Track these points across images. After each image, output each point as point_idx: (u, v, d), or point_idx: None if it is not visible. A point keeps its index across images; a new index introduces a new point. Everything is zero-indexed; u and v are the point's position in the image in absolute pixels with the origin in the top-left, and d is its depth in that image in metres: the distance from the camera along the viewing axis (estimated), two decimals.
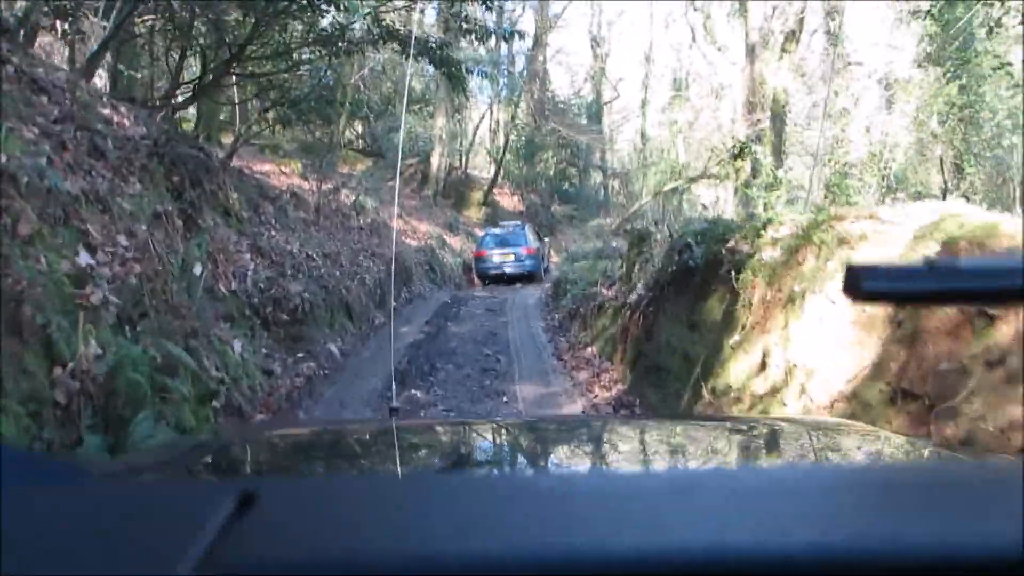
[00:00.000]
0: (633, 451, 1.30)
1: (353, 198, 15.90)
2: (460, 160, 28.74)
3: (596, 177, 37.49)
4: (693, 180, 20.62)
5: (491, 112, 32.24)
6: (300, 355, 6.60)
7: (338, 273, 8.95)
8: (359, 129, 28.40)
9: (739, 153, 20.98)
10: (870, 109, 20.99)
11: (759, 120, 20.12)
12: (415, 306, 12.72)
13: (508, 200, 29.22)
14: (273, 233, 7.99)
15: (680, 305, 5.22)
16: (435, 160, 25.02)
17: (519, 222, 19.76)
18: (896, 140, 19.39)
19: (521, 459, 1.29)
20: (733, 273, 4.26)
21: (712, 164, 20.10)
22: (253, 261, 6.54)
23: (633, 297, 6.04)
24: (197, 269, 5.10)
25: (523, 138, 29.78)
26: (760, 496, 0.56)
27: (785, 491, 0.58)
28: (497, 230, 18.39)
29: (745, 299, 4.12)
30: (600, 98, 38.04)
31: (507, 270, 16.93)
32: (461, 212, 25.66)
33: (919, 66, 17.15)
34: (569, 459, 1.25)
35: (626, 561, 0.44)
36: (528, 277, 16.94)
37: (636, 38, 51.63)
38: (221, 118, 28.16)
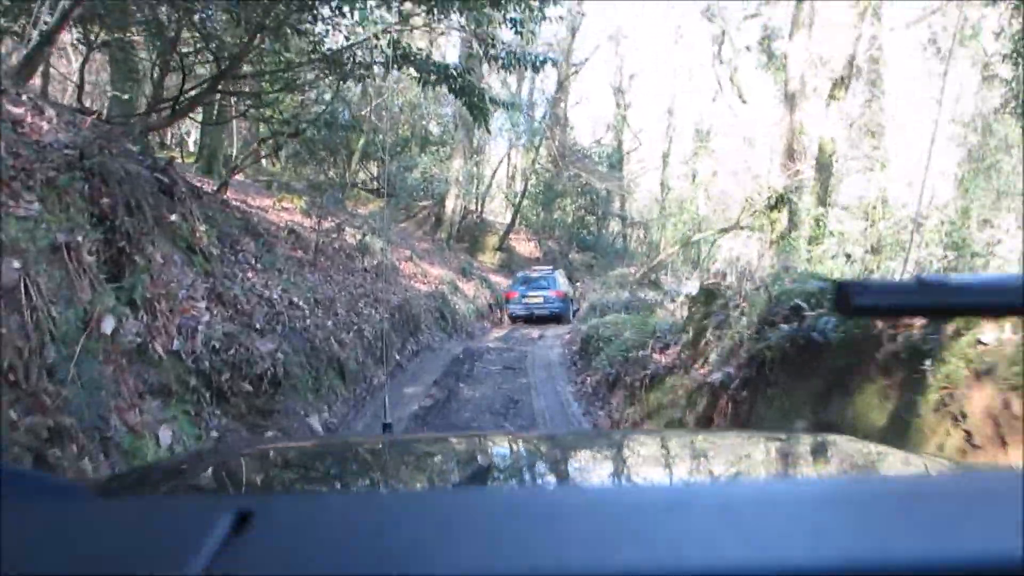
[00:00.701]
0: (625, 465, 1.27)
1: (359, 238, 14.47)
2: (476, 204, 27.41)
3: (615, 226, 36.14)
4: (725, 231, 19.09)
5: (508, 158, 31.10)
6: (268, 435, 4.98)
7: (331, 324, 7.37)
8: (373, 171, 27.25)
9: (775, 204, 19.53)
10: (914, 163, 19.52)
11: (799, 171, 18.69)
12: (422, 361, 11.11)
13: (524, 246, 27.78)
14: (250, 275, 6.44)
15: (798, 396, 3.62)
16: (450, 203, 23.67)
17: (551, 267, 20.06)
18: (946, 199, 17.94)
19: (514, 475, 1.24)
20: (928, 362, 2.64)
21: (746, 215, 18.61)
22: (210, 311, 4.97)
23: (716, 376, 4.46)
24: (108, 325, 3.53)
25: (542, 183, 28.49)
26: (753, 511, 0.55)
27: (779, 505, 0.57)
28: (530, 273, 18.97)
29: (950, 405, 2.52)
30: (621, 147, 37.00)
31: (536, 311, 17.63)
32: (475, 257, 24.19)
33: (1002, 114, 15.61)
34: (563, 474, 1.23)
35: None
36: (556, 318, 17.46)
37: (658, 90, 50.95)
38: (232, 152, 27.11)
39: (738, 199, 25.30)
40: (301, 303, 6.82)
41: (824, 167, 17.05)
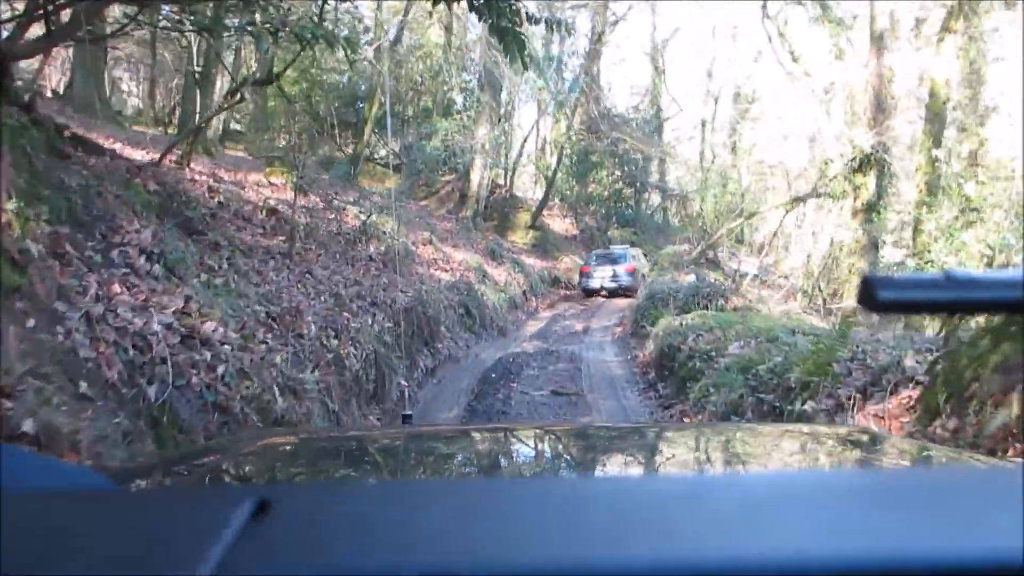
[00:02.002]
0: (644, 458, 1.26)
1: (364, 218, 11.58)
2: (505, 177, 24.35)
3: (654, 198, 32.79)
4: (798, 201, 15.81)
5: (538, 128, 27.92)
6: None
7: (282, 357, 4.46)
8: (395, 147, 24.27)
9: (861, 166, 16.20)
10: None
11: (889, 126, 15.34)
12: (440, 382, 8.22)
13: (559, 223, 24.69)
14: (116, 289, 3.54)
15: None
16: (476, 176, 20.63)
17: (626, 244, 20.83)
18: None
19: (533, 466, 1.24)
20: None
21: (824, 181, 15.34)
22: None
23: None
24: None
25: (575, 154, 25.26)
26: (769, 504, 0.55)
27: (794, 499, 0.57)
28: (604, 251, 19.84)
29: None
30: (659, 114, 33.60)
31: (607, 285, 18.10)
32: (505, 236, 21.20)
33: None
34: (582, 466, 1.22)
35: (637, 571, 0.44)
36: (625, 291, 17.56)
37: (697, 55, 47.13)
38: (238, 127, 24.25)
39: (792, 167, 22.02)
40: (221, 331, 3.91)
41: (937, 117, 13.65)
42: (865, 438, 1.37)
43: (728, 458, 1.22)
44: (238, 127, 25.70)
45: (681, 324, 8.13)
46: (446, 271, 13.43)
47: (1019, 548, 0.44)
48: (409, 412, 2.19)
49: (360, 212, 12.04)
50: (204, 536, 0.46)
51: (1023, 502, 0.53)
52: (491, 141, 19.29)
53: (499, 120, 21.35)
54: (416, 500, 0.61)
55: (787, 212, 15.80)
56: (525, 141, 26.02)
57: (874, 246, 15.54)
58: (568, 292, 19.47)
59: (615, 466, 1.20)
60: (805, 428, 1.71)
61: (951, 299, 0.55)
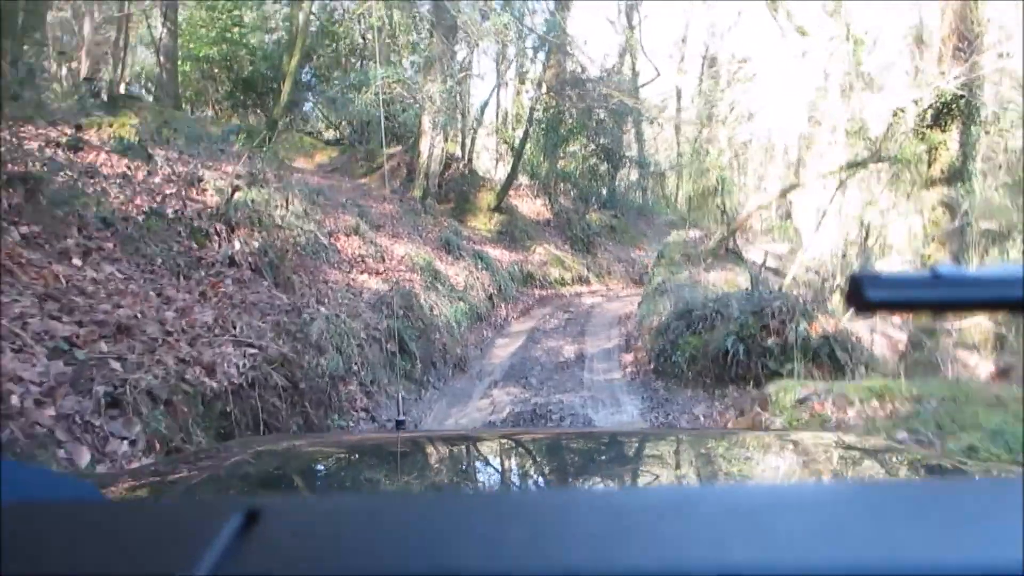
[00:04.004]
0: (634, 465, 1.25)
1: (232, 194, 7.10)
2: (463, 149, 19.84)
3: (630, 175, 28.57)
4: (858, 166, 11.64)
5: (501, 84, 23.41)
6: None
7: None
8: (331, 118, 19.55)
9: (937, 118, 12.14)
10: None
11: (975, 63, 11.33)
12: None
13: (529, 205, 20.29)
14: None
15: None
16: (425, 145, 16.07)
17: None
18: None
19: (523, 474, 1.24)
20: None
21: (890, 140, 11.27)
22: None
23: None
24: None
25: (546, 121, 20.79)
26: (760, 512, 0.53)
27: (788, 507, 0.56)
28: None
29: None
30: (636, 78, 29.36)
31: None
32: (465, 222, 16.81)
33: None
34: (572, 474, 1.21)
35: None
36: None
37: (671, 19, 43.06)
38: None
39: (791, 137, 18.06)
40: None
41: None
42: (863, 446, 1.33)
43: (716, 465, 1.19)
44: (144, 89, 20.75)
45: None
46: (378, 274, 8.98)
47: (1019, 559, 0.43)
48: (402, 418, 1.87)
49: (233, 185, 7.47)
50: (193, 547, 0.45)
51: (1023, 512, 0.50)
52: (443, 95, 14.73)
53: (453, 73, 16.74)
54: (406, 510, 0.59)
55: (842, 182, 11.68)
56: (485, 106, 21.47)
57: (959, 231, 11.48)
58: (544, 292, 15.18)
59: (604, 474, 1.17)
60: (794, 436, 1.60)
61: (941, 298, 0.54)
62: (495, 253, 14.81)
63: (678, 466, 1.21)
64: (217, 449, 1.83)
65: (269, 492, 1.03)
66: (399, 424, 1.81)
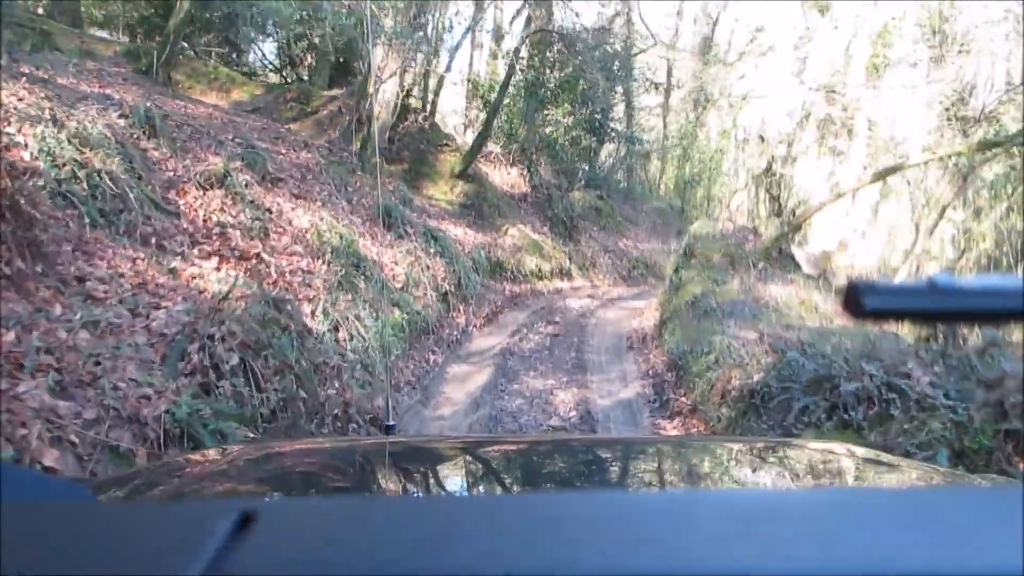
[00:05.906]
0: (630, 472, 1.20)
1: None
2: (424, 98, 15.82)
3: (611, 150, 24.84)
4: (994, 146, 8.11)
5: (472, 34, 19.39)
6: None
7: None
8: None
9: None
10: None
11: None
12: None
13: (503, 175, 16.34)
14: None
15: None
16: (376, 88, 12.03)
17: None
18: None
19: (517, 479, 1.19)
20: None
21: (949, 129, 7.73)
22: None
23: None
24: None
25: (527, 80, 16.86)
26: (759, 518, 0.52)
27: (786, 514, 0.54)
28: None
29: None
30: (629, 47, 25.45)
31: None
32: (420, 189, 12.86)
33: None
34: (570, 479, 1.17)
35: None
36: None
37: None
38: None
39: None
40: None
41: None
42: (864, 455, 1.30)
43: (716, 472, 1.17)
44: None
45: None
46: (243, 260, 5.06)
47: (1019, 567, 0.42)
48: (392, 423, 1.89)
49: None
50: (188, 548, 0.45)
51: (1023, 520, 0.49)
52: (404, 36, 10.72)
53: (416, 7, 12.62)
54: (400, 512, 0.59)
55: (948, 167, 8.22)
56: (455, 52, 17.42)
57: None
58: (517, 288, 11.40)
59: (603, 480, 1.15)
60: (794, 442, 1.54)
61: (937, 308, 0.53)
62: (455, 232, 10.95)
63: (676, 472, 1.18)
64: (211, 451, 1.68)
65: (262, 495, 1.01)
66: (389, 429, 1.85)
